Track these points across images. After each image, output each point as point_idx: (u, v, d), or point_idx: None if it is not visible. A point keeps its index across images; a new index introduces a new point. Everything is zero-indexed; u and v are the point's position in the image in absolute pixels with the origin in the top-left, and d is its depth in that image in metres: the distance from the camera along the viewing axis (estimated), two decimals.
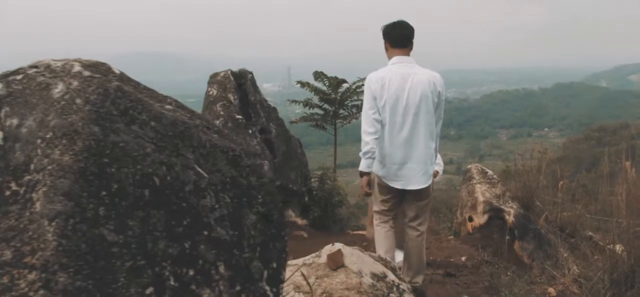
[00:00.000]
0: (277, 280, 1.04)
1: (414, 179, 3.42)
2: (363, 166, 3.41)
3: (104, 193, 0.82)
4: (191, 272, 0.89)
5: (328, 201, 7.19)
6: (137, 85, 1.02)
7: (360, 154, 3.41)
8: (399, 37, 3.47)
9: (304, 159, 7.44)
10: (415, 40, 3.54)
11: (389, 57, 3.51)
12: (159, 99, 1.04)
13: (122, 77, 0.99)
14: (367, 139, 3.33)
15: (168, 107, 1.01)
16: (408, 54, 3.49)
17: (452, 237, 6.47)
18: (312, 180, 7.52)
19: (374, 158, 3.40)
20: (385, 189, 3.52)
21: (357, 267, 2.12)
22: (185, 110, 1.06)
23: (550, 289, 4.28)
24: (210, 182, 0.98)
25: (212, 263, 0.93)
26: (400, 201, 3.63)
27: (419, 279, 3.69)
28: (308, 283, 1.79)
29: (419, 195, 3.52)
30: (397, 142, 3.39)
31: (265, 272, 1.03)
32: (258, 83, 7.55)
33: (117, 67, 0.99)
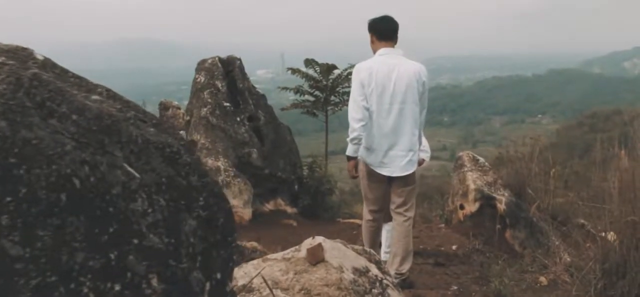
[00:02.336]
0: (221, 293, 0.92)
1: (399, 166, 3.58)
2: (350, 151, 3.58)
3: (8, 199, 0.68)
4: (117, 288, 0.77)
5: (318, 189, 7.10)
6: (63, 73, 0.89)
7: (348, 139, 3.57)
8: (385, 30, 3.63)
9: (294, 147, 7.34)
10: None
11: (375, 50, 3.66)
12: (88, 88, 0.91)
13: (45, 64, 0.86)
14: (355, 126, 3.47)
15: (95, 97, 0.88)
16: (393, 47, 3.64)
17: (443, 225, 6.42)
18: (303, 167, 7.42)
19: (360, 144, 3.54)
20: (373, 176, 3.67)
21: (338, 262, 2.02)
22: (118, 102, 0.93)
23: (542, 278, 4.23)
24: (142, 183, 0.86)
25: (142, 276, 0.81)
26: (387, 189, 3.75)
27: (406, 267, 3.75)
28: (269, 287, 1.69)
29: (405, 181, 3.67)
30: (383, 130, 3.53)
31: (208, 285, 0.91)
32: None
33: (41, 53, 0.86)
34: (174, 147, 0.93)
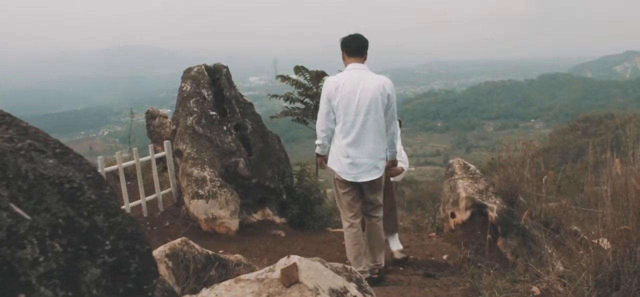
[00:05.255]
0: None
1: (364, 173, 3.89)
2: (318, 150, 4.09)
3: None
4: None
5: (307, 198, 6.95)
6: None
7: (316, 142, 4.07)
8: (354, 47, 3.94)
9: (282, 155, 7.18)
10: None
11: (346, 65, 3.99)
12: None
13: None
14: (321, 136, 3.95)
15: None
16: (362, 62, 3.95)
17: (434, 233, 6.30)
18: (292, 176, 7.25)
19: (325, 148, 4.02)
20: (343, 183, 3.99)
21: (314, 283, 1.89)
22: (12, 128, 0.77)
23: (534, 288, 4.11)
24: (34, 226, 0.70)
25: None
26: (359, 195, 4.06)
27: (381, 257, 4.19)
28: None
29: (372, 187, 3.99)
30: (348, 139, 3.85)
31: None
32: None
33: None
34: (75, 182, 0.77)
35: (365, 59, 3.97)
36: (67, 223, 0.76)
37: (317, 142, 4.02)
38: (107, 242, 0.77)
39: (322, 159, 4.14)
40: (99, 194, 0.80)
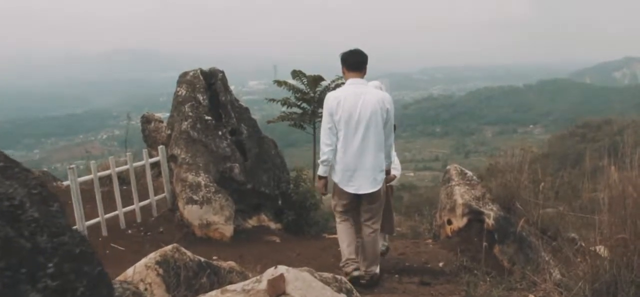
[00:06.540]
0: None
1: (364, 184, 4.01)
2: (321, 171, 4.09)
3: None
4: None
5: (303, 204, 6.88)
6: None
7: (319, 161, 4.09)
8: (353, 62, 4.07)
9: (278, 161, 7.13)
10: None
11: (346, 79, 4.11)
12: None
13: None
14: (325, 150, 4.01)
15: None
16: (362, 77, 4.08)
17: (430, 240, 6.25)
18: (288, 182, 7.19)
19: (330, 165, 4.04)
20: (342, 193, 4.10)
21: (301, 295, 1.84)
22: None
23: (531, 296, 4.06)
24: None
25: None
26: (356, 203, 4.16)
27: (374, 268, 4.23)
28: None
29: (371, 198, 4.09)
30: (350, 152, 3.97)
31: None
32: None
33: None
34: (16, 200, 0.71)
35: (364, 73, 4.10)
36: (4, 244, 0.70)
37: (321, 158, 4.06)
38: (50, 265, 0.71)
39: (324, 182, 4.14)
40: (43, 211, 0.75)
